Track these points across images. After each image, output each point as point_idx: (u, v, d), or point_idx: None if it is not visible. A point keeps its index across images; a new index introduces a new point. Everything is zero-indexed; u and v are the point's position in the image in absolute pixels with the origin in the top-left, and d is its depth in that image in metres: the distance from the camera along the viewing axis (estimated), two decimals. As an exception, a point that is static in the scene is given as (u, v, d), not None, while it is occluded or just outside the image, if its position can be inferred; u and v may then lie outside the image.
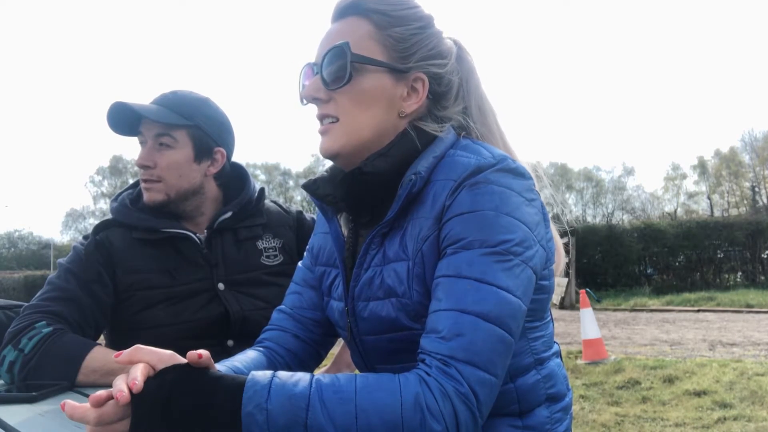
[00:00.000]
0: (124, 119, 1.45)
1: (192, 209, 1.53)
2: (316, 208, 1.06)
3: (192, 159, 1.48)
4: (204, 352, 0.75)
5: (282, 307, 1.11)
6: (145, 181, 1.47)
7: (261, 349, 1.03)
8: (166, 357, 0.76)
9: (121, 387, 0.71)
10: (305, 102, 0.96)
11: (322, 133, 0.94)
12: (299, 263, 1.14)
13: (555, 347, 1.00)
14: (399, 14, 0.93)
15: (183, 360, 0.76)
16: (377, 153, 0.91)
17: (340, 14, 0.95)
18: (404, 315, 0.88)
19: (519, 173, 0.86)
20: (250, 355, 1.00)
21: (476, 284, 0.79)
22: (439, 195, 0.86)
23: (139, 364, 0.74)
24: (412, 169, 0.89)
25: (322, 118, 0.94)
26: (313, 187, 0.97)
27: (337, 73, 0.91)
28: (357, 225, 0.98)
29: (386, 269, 0.90)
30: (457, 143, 0.93)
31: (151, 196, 1.47)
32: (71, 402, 0.73)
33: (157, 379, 0.73)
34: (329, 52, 0.91)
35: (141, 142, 1.48)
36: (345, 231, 0.99)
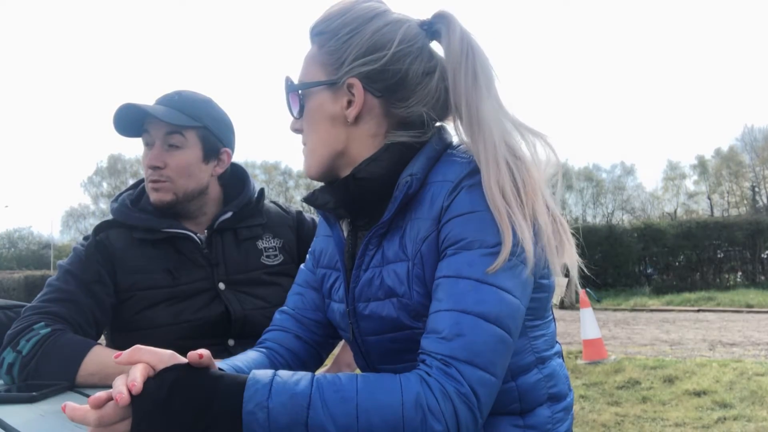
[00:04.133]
0: (131, 120, 1.45)
1: (196, 209, 1.53)
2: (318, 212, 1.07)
3: (201, 159, 1.49)
4: (205, 352, 0.75)
5: (284, 308, 1.11)
6: (154, 181, 1.46)
7: (262, 350, 1.03)
8: (166, 357, 0.75)
9: (120, 388, 0.71)
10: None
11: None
12: (302, 265, 1.15)
13: (557, 347, 1.00)
14: (332, 28, 0.93)
15: (183, 360, 0.75)
16: (369, 158, 0.91)
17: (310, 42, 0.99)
18: (405, 314, 0.88)
19: None
20: (251, 355, 1.00)
21: (476, 284, 0.79)
22: (437, 196, 0.86)
23: (138, 364, 0.74)
24: (407, 171, 0.89)
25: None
26: (312, 198, 0.98)
27: (294, 105, 0.98)
28: (356, 227, 0.99)
29: (386, 270, 0.90)
30: (451, 144, 0.93)
31: (159, 196, 1.47)
32: (72, 404, 0.73)
33: (157, 379, 0.73)
34: (285, 88, 0.98)
35: (147, 144, 1.47)
36: (346, 234, 1.00)
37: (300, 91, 0.96)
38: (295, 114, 0.98)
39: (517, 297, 0.81)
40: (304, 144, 0.99)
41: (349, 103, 0.92)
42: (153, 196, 1.47)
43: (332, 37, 0.93)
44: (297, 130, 0.99)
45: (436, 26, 0.93)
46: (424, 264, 0.86)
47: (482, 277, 0.79)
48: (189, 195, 1.49)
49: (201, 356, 0.74)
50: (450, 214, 0.84)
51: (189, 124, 1.45)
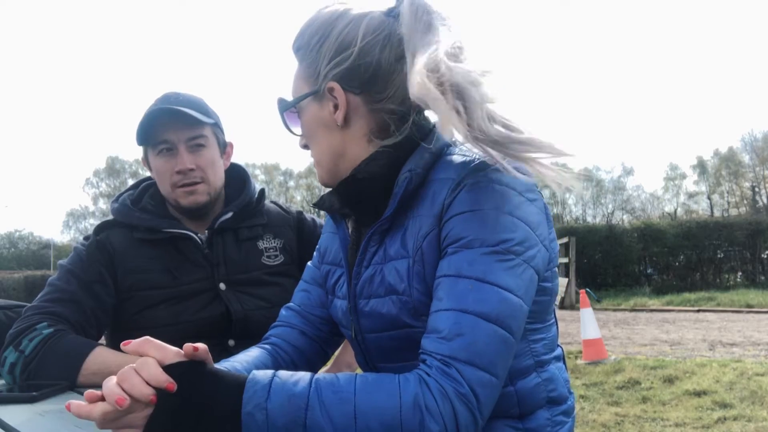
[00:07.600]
0: (150, 126, 1.44)
1: (208, 209, 1.54)
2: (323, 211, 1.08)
3: (219, 156, 1.53)
4: (200, 345, 0.76)
5: (290, 304, 1.12)
6: (187, 185, 1.46)
7: (266, 346, 1.04)
8: (171, 355, 0.76)
9: (120, 392, 0.72)
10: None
11: None
12: (309, 263, 1.15)
13: (557, 351, 0.99)
14: (305, 41, 0.95)
15: (185, 360, 0.76)
16: (368, 158, 0.92)
17: None
18: (405, 312, 0.88)
19: (520, 172, 0.86)
20: (253, 353, 1.00)
21: (477, 284, 0.78)
22: (438, 193, 0.86)
23: (152, 362, 0.75)
24: (406, 167, 0.89)
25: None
26: (320, 202, 1.00)
27: (294, 123, 1.00)
28: (360, 224, 0.99)
29: (387, 267, 0.90)
30: (451, 142, 0.92)
31: (195, 198, 1.47)
32: (76, 402, 0.74)
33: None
34: (279, 109, 1.00)
35: (168, 149, 1.45)
36: (351, 231, 1.00)
37: (295, 108, 0.98)
38: (297, 131, 1.00)
39: (520, 296, 0.80)
40: (312, 157, 1.00)
41: (335, 107, 0.93)
42: (187, 200, 1.47)
43: (307, 50, 0.95)
44: (305, 147, 1.01)
45: (397, 9, 0.92)
46: (425, 261, 0.86)
47: (483, 276, 0.79)
48: (218, 192, 1.52)
49: (196, 349, 0.75)
50: (451, 212, 0.83)
51: (207, 121, 1.47)
